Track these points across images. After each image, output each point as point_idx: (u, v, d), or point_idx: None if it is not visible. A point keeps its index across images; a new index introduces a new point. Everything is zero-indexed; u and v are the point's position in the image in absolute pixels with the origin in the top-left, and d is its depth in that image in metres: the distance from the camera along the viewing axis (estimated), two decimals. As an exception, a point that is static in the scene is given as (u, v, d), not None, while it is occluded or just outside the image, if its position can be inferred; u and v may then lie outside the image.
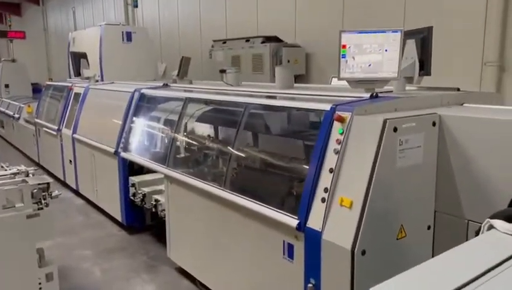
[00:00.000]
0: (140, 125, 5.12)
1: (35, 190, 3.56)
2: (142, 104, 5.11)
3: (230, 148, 3.41)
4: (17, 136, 10.95)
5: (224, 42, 8.95)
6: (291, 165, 3.09)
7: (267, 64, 7.91)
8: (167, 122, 4.83)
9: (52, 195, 3.68)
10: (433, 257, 2.69)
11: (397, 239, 2.49)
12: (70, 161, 6.89)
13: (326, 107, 2.69)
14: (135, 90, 5.23)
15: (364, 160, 2.37)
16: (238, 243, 3.24)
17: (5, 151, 11.34)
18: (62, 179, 7.29)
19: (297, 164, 3.03)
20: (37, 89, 16.56)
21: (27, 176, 3.85)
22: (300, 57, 7.92)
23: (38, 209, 3.58)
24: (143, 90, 5.12)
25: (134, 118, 5.10)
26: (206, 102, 4.16)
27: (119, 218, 5.34)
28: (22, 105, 11.03)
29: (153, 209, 4.57)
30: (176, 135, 4.22)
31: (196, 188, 3.65)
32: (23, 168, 3.98)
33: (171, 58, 10.25)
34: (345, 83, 5.46)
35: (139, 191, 4.79)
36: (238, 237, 3.24)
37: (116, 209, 5.35)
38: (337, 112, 2.58)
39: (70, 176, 6.96)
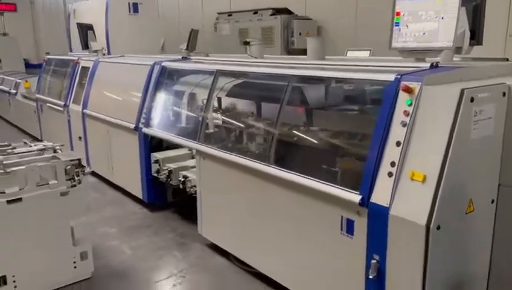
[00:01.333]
0: (163, 100, 4.94)
1: (68, 167, 3.42)
2: (163, 77, 4.91)
3: (275, 123, 3.29)
4: (14, 112, 10.62)
5: (230, 15, 8.69)
6: (344, 139, 2.98)
7: (278, 37, 7.71)
8: (194, 97, 4.67)
9: (85, 171, 3.54)
10: (494, 231, 2.67)
11: (466, 213, 2.43)
12: (80, 138, 6.69)
13: (390, 77, 2.57)
14: (155, 63, 5.02)
15: (439, 132, 2.27)
16: (284, 218, 3.15)
17: (2, 128, 11.03)
18: (71, 156, 7.10)
19: (352, 138, 2.92)
20: (28, 65, 16.10)
21: (55, 152, 3.69)
22: (312, 30, 7.73)
23: (72, 186, 3.45)
24: (164, 63, 4.92)
25: (155, 92, 4.91)
26: (240, 75, 4.00)
27: (139, 195, 5.21)
28: (19, 80, 10.68)
29: (181, 186, 4.45)
30: (207, 109, 4.07)
31: (234, 164, 3.53)
32: (49, 144, 3.82)
33: (170, 32, 9.86)
34: (362, 55, 5.34)
35: (164, 168, 4.65)
36: (284, 213, 3.15)
37: (136, 187, 5.22)
38: (403, 82, 2.46)
39: (80, 152, 6.76)
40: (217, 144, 3.90)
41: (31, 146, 3.83)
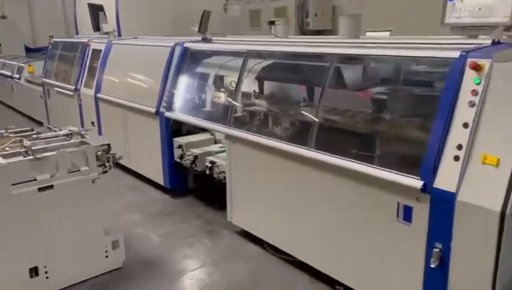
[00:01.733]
0: (185, 83, 4.76)
1: (99, 152, 3.26)
2: (185, 59, 4.73)
3: (317, 105, 3.13)
4: (18, 98, 10.38)
5: (241, -5, 8.45)
6: (397, 121, 2.83)
7: (292, 18, 7.49)
8: (220, 79, 4.49)
9: (116, 157, 3.38)
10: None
11: (535, 199, 2.29)
12: (93, 123, 6.50)
13: (454, 54, 2.41)
14: (176, 45, 4.83)
15: (515, 112, 2.13)
16: (330, 205, 3.02)
17: (4, 113, 10.80)
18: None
19: (407, 120, 2.77)
20: (26, 49, 15.74)
21: (82, 137, 3.52)
22: (327, 10, 7.52)
23: (103, 172, 3.29)
24: (187, 45, 4.73)
25: (177, 75, 4.73)
26: (274, 56, 3.82)
27: (160, 181, 5.07)
28: (22, 64, 10.42)
29: (207, 172, 4.30)
30: (237, 92, 3.90)
31: (270, 148, 3.39)
32: (74, 128, 3.65)
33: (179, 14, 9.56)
34: (382, 36, 5.15)
35: (189, 153, 4.49)
36: (330, 199, 3.01)
37: (157, 173, 5.07)
38: (470, 59, 2.31)
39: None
40: (250, 128, 3.75)
41: (55, 131, 3.66)
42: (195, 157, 4.44)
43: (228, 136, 3.86)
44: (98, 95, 6.16)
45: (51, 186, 3.05)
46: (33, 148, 3.17)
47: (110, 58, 6.11)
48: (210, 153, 4.48)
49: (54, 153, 3.08)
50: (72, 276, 3.28)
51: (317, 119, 3.10)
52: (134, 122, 5.39)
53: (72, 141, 3.43)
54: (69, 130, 3.63)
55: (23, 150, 3.16)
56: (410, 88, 2.87)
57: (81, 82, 6.78)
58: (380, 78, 3.10)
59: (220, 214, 4.48)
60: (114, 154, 3.39)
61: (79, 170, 3.18)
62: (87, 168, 3.22)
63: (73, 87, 6.96)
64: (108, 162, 3.34)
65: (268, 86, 4.03)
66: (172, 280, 3.40)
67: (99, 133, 6.38)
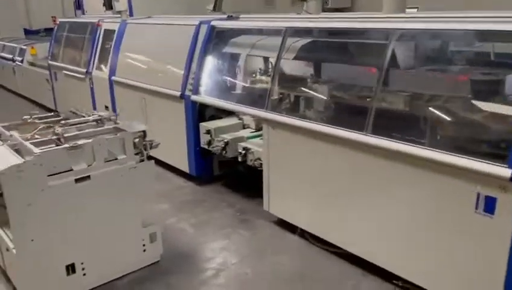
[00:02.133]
0: (213, 64, 4.49)
1: (136, 139, 3.01)
2: (212, 38, 4.44)
3: (375, 86, 2.89)
4: (21, 82, 10.00)
5: (253, -28, 8.10)
6: (469, 103, 2.59)
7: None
8: (254, 59, 4.22)
9: (153, 144, 3.14)
10: None
11: None
12: (107, 107, 6.22)
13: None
14: (201, 23, 4.54)
15: None
16: (390, 194, 2.80)
17: (6, 99, 10.45)
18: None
19: (483, 101, 2.53)
20: (25, 31, 15.25)
21: (115, 123, 3.28)
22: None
23: (140, 160, 3.06)
24: (214, 23, 4.44)
25: (203, 55, 4.45)
26: (317, 33, 3.55)
27: (185, 169, 4.83)
28: (24, 47, 10.03)
29: (239, 159, 4.06)
30: (275, 73, 3.64)
31: (316, 133, 3.16)
32: (103, 113, 3.39)
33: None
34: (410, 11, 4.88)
35: (219, 139, 4.25)
36: (389, 188, 2.80)
37: (181, 160, 4.82)
38: None
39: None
40: (292, 112, 3.51)
41: (83, 116, 3.40)
42: (226, 143, 4.20)
43: (267, 121, 3.62)
44: (113, 78, 5.86)
45: (88, 177, 2.81)
46: (65, 135, 2.92)
47: (125, 39, 5.80)
48: (241, 139, 4.24)
49: (90, 140, 2.83)
50: (109, 272, 3.07)
51: (373, 102, 2.86)
52: (154, 107, 5.12)
53: (105, 127, 3.18)
54: (99, 115, 3.38)
55: (54, 137, 2.91)
56: (484, 67, 2.62)
57: (93, 64, 6.48)
58: (443, 57, 2.84)
59: (252, 203, 4.28)
60: (151, 141, 3.14)
61: (116, 159, 2.94)
62: (125, 156, 2.97)
63: (84, 70, 6.66)
64: (145, 149, 3.10)
65: (312, 66, 3.77)
66: (215, 275, 3.20)
67: (114, 118, 6.11)
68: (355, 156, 2.96)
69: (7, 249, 2.78)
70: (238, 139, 4.23)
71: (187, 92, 4.54)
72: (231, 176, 4.87)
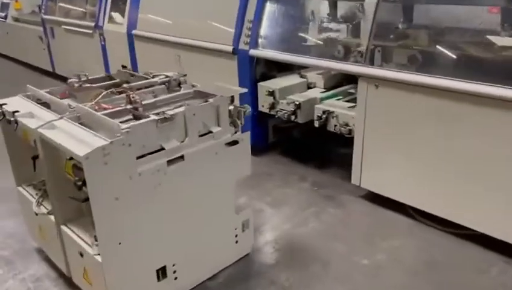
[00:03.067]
0: (277, 9, 3.75)
1: (231, 107, 2.35)
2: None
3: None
4: (7, 42, 8.82)
5: None
6: None
7: None
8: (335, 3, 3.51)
9: (246, 112, 2.48)
10: None
11: None
12: (125, 67, 5.40)
13: None
14: (256, -40, 3.76)
15: None
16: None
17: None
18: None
19: None
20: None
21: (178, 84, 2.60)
22: None
23: (235, 132, 2.41)
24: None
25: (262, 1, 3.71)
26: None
27: (237, 136, 4.18)
28: (6, 0, 8.84)
29: (316, 124, 3.44)
30: (375, 18, 2.97)
31: (441, 91, 2.56)
32: (171, 74, 2.69)
33: None
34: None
35: (288, 102, 3.59)
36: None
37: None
38: None
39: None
40: (402, 66, 2.87)
41: (146, 78, 2.67)
42: (298, 106, 3.55)
43: (367, 78, 2.98)
44: (134, 31, 5.04)
45: (181, 157, 2.15)
46: (143, 102, 2.23)
47: (148, -15, 4.94)
48: (314, 101, 3.60)
49: (181, 109, 2.14)
50: (201, 272, 2.48)
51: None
52: (193, 65, 4.36)
53: (184, 91, 2.48)
54: (165, 76, 2.67)
55: (129, 106, 2.21)
56: None
57: (104, 16, 5.59)
58: None
59: (325, 174, 3.74)
60: (244, 107, 2.47)
61: (211, 132, 2.27)
62: (220, 128, 2.30)
63: (91, 24, 5.77)
64: (238, 118, 2.43)
65: (423, 9, 3.10)
66: (324, 266, 2.63)
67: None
68: (503, 118, 2.39)
69: (81, 254, 2.14)
70: (311, 101, 3.59)
71: (242, 46, 3.82)
72: (285, 143, 4.29)
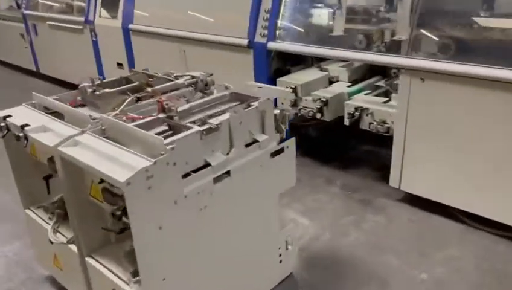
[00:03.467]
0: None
1: (277, 111, 2.04)
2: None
3: None
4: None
5: None
6: None
7: None
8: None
9: (289, 115, 2.17)
10: None
11: None
12: (120, 65, 5.03)
13: None
14: None
15: None
16: None
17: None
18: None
19: None
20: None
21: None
22: None
23: (281, 140, 2.10)
24: None
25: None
26: None
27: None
28: (-20, -4, 8.26)
29: (346, 123, 3.15)
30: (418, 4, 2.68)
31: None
32: (197, 73, 2.36)
33: None
34: None
35: (314, 98, 3.28)
36: None
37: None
38: None
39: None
40: (451, 57, 2.60)
41: (170, 79, 2.33)
42: (325, 103, 3.26)
43: (408, 72, 2.70)
44: (130, 26, 4.65)
45: (227, 173, 1.83)
46: (179, 109, 1.89)
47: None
48: (342, 96, 3.31)
49: (226, 117, 1.82)
50: (245, 300, 2.17)
51: None
52: (200, 61, 4.02)
53: (219, 94, 2.15)
54: (191, 76, 2.33)
55: (162, 115, 1.87)
56: None
57: (95, 10, 5.17)
58: None
59: (355, 176, 3.48)
60: (287, 110, 2.16)
61: (257, 141, 1.95)
62: (266, 136, 1.99)
63: (81, 19, 5.33)
64: (283, 124, 2.12)
65: None
66: (382, 285, 2.36)
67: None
68: None
69: (113, 292, 1.80)
70: (338, 96, 3.30)
71: (258, 39, 3.49)
72: (304, 142, 4.00)
